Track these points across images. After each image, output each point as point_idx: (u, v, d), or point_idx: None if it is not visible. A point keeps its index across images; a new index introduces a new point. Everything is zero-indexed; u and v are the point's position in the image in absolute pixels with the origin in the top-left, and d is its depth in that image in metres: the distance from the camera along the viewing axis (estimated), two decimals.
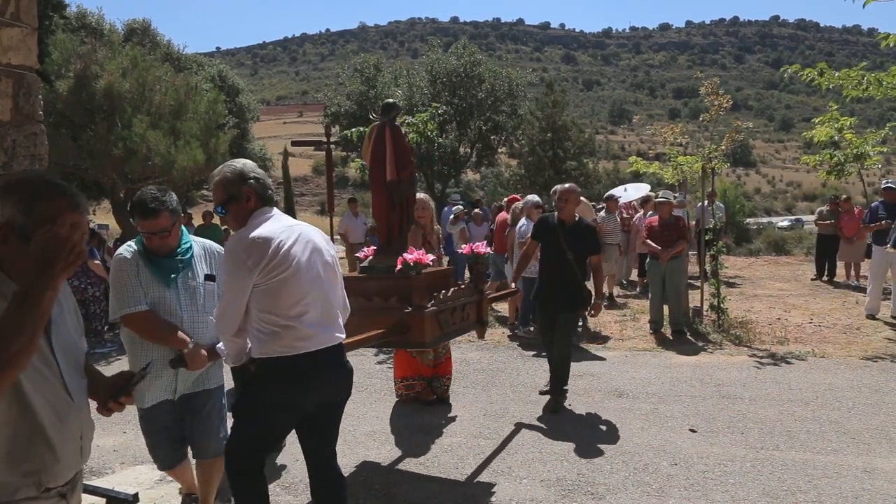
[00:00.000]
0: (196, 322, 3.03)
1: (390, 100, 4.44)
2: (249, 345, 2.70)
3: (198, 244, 3.19)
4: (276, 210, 2.73)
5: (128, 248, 3.05)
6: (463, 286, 4.30)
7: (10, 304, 1.50)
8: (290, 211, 23.77)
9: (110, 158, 11.69)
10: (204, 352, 2.97)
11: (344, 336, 2.79)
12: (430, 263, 3.82)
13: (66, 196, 1.67)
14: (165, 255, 3.01)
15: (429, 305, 3.73)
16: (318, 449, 2.88)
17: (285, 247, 2.56)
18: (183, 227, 3.15)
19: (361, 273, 4.16)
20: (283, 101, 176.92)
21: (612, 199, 10.79)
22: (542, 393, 5.47)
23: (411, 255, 3.72)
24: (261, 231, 2.57)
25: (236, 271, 2.54)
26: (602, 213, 10.43)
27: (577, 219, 5.31)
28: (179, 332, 2.95)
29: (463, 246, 4.54)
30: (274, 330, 2.56)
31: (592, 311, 5.43)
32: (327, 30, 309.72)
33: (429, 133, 9.05)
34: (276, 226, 2.62)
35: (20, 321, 1.47)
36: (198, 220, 13.40)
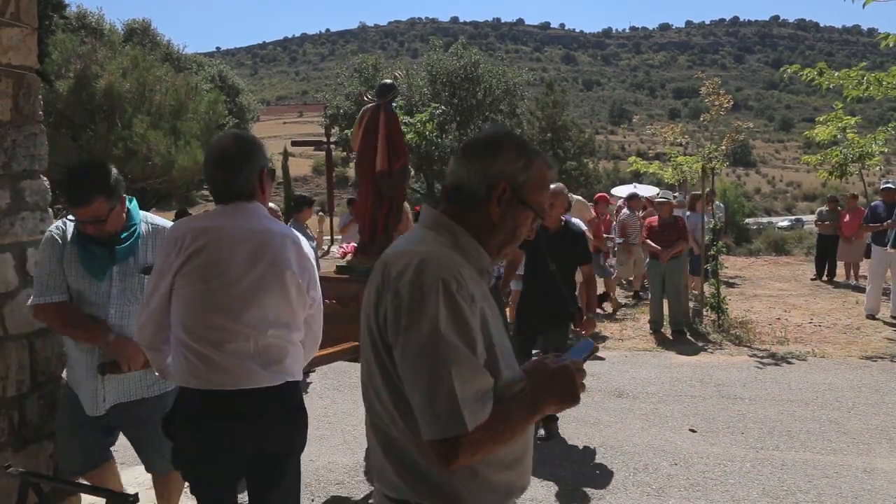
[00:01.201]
0: (127, 317, 2.53)
1: (388, 80, 3.93)
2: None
3: (147, 223, 2.65)
4: (241, 207, 2.14)
5: (58, 229, 2.56)
6: None
7: (512, 400, 1.36)
8: (289, 211, 23.75)
9: (110, 158, 11.70)
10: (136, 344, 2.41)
11: (292, 377, 2.20)
12: None
13: (546, 158, 1.52)
14: (105, 240, 2.51)
15: None
16: (260, 500, 2.30)
17: (219, 253, 2.04)
18: (133, 205, 2.65)
19: (339, 273, 3.72)
20: (283, 101, 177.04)
21: (636, 198, 10.54)
22: None
23: None
24: (200, 222, 2.14)
25: (162, 259, 2.09)
26: (625, 211, 10.24)
27: (563, 223, 4.74)
28: (97, 325, 2.50)
29: None
30: (185, 355, 2.06)
31: (584, 330, 4.75)
32: (327, 30, 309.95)
33: (428, 133, 9.07)
34: (223, 222, 2.10)
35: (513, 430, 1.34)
36: None
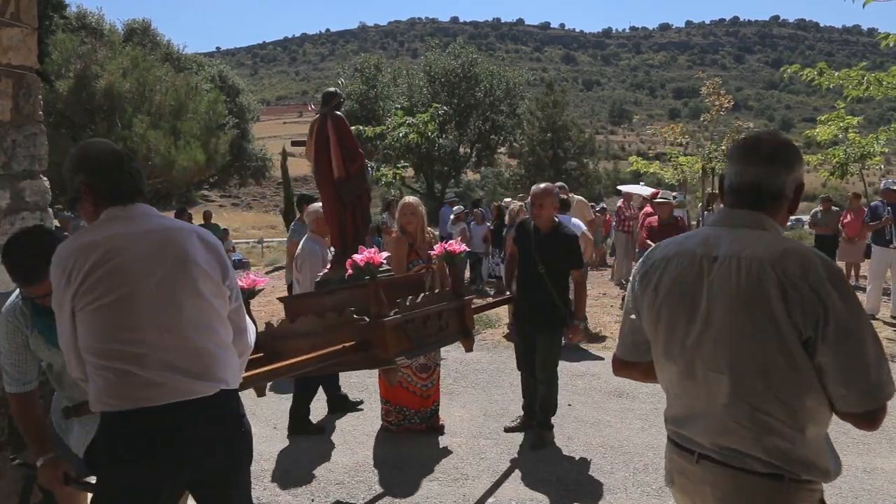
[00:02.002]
0: None
1: (331, 88, 3.97)
2: None
3: None
4: (136, 209, 1.99)
5: (14, 315, 2.38)
6: (437, 291, 3.68)
7: None
8: (289, 211, 23.57)
9: None
10: (60, 473, 2.31)
11: (227, 385, 2.02)
12: (385, 262, 3.20)
13: None
14: None
15: (391, 314, 3.13)
16: None
17: (116, 260, 1.87)
18: None
19: (316, 289, 3.66)
20: (283, 101, 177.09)
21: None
22: (508, 430, 4.82)
23: (360, 256, 3.13)
24: (86, 237, 1.92)
25: (55, 290, 1.91)
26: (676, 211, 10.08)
27: (556, 224, 4.56)
28: (43, 436, 2.37)
29: (435, 247, 3.95)
30: (101, 375, 1.87)
31: (570, 336, 4.59)
32: (327, 30, 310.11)
33: (429, 134, 9.07)
34: (114, 230, 1.92)
35: None
36: (198, 220, 13.42)
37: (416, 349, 3.38)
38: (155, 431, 1.88)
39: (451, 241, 3.88)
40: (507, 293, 5.09)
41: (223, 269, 2.07)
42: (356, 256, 3.14)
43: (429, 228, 4.99)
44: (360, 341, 3.01)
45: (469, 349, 3.86)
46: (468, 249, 4.40)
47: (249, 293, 3.18)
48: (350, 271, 3.17)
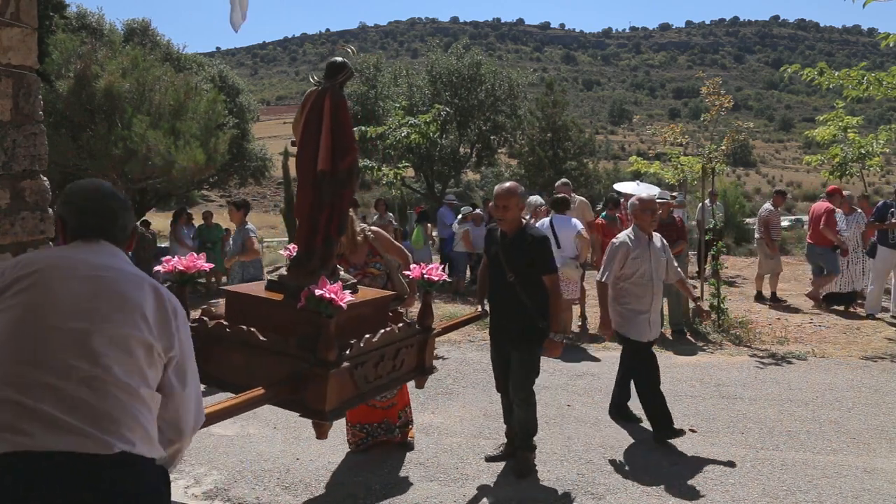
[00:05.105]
0: None
1: (338, 58, 3.08)
2: None
3: None
4: (97, 245, 1.83)
5: None
6: (401, 325, 3.10)
7: None
8: (290, 211, 23.54)
9: (110, 158, 11.70)
10: None
11: (133, 450, 1.64)
12: (344, 307, 2.58)
13: None
14: None
15: (342, 361, 2.62)
16: None
17: (51, 278, 1.70)
18: None
19: (268, 287, 3.04)
20: (283, 101, 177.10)
21: (782, 195, 10.45)
22: (489, 459, 4.30)
23: (320, 290, 2.52)
24: (31, 255, 1.85)
25: None
26: (768, 206, 10.01)
27: (523, 226, 4.07)
28: None
29: (413, 267, 3.43)
30: None
31: (546, 351, 4.05)
32: (327, 30, 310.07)
33: (431, 134, 9.06)
34: (60, 254, 1.81)
35: None
36: (198, 221, 13.43)
37: (358, 397, 2.85)
38: (30, 481, 1.52)
39: (430, 267, 3.36)
40: (479, 309, 4.41)
41: (170, 334, 1.80)
42: (315, 290, 2.54)
43: (373, 227, 4.37)
44: (296, 381, 2.59)
45: (420, 387, 3.44)
46: (446, 278, 3.72)
47: (187, 277, 2.78)
48: (303, 301, 2.57)
